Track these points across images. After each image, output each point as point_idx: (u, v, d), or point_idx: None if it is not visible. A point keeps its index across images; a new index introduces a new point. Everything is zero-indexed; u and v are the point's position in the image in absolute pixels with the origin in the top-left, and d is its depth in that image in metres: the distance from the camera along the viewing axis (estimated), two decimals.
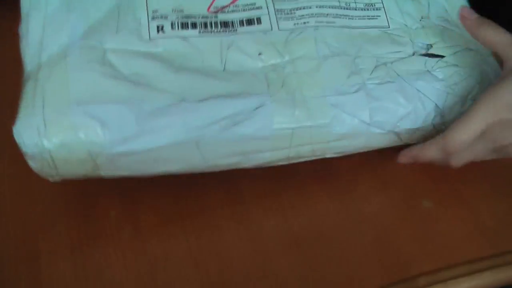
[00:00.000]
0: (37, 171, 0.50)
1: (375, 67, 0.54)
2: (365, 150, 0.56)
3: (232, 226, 0.54)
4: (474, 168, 0.56)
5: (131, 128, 0.49)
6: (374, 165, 0.57)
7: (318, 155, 0.55)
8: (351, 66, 0.54)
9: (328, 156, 0.55)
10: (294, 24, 0.55)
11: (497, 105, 0.50)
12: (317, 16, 0.56)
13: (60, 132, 0.48)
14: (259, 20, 0.55)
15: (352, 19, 0.57)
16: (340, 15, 0.57)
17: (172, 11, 0.54)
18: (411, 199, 0.55)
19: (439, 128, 0.55)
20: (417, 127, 0.54)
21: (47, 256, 0.52)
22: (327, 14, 0.56)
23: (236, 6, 0.56)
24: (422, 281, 0.50)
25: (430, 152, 0.54)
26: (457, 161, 0.53)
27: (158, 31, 0.53)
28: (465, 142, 0.51)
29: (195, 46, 0.53)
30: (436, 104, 0.54)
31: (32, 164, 0.50)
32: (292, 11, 0.56)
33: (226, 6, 0.55)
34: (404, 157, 0.56)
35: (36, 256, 0.52)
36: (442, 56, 0.56)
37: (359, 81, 0.53)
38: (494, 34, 0.53)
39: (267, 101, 0.51)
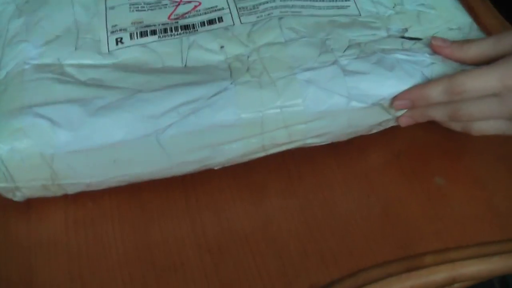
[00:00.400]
0: None
1: (348, 47, 0.51)
2: (353, 132, 0.52)
3: (234, 188, 0.52)
4: (492, 149, 0.54)
5: (83, 124, 0.46)
6: (387, 137, 0.54)
7: (298, 140, 0.50)
8: (321, 46, 0.50)
9: (309, 141, 0.51)
10: (257, 17, 0.53)
11: None
12: (281, 8, 0.53)
13: (9, 135, 0.46)
14: (220, 19, 0.53)
15: (320, 9, 0.54)
16: (306, 6, 0.54)
17: (132, 23, 0.53)
18: (423, 174, 0.52)
19: None
20: None
21: (38, 204, 0.50)
22: (292, 5, 0.54)
23: (197, 11, 0.54)
24: (428, 260, 0.47)
25: (433, 90, 0.49)
26: (464, 113, 0.49)
27: (117, 43, 0.51)
28: (475, 88, 0.47)
29: (155, 51, 0.51)
30: (421, 71, 0.50)
31: None
32: (255, 7, 0.54)
33: (188, 12, 0.54)
34: (400, 101, 0.50)
35: (28, 204, 0.50)
36: (419, 39, 0.52)
37: (331, 58, 0.50)
38: (478, 45, 0.50)
39: (230, 85, 0.48)
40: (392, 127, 0.53)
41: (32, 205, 0.50)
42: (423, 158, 0.54)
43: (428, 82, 0.49)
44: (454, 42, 0.51)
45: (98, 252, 0.48)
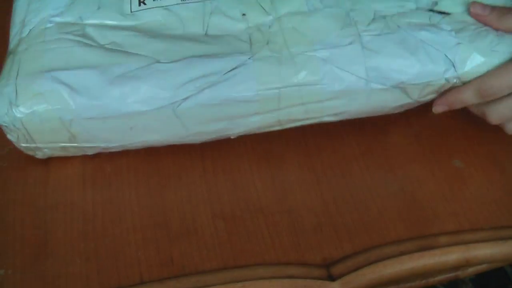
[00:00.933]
0: (17, 145, 0.49)
1: (372, 20, 0.50)
2: (373, 111, 0.51)
3: (252, 157, 0.52)
4: None
5: (101, 92, 0.46)
6: (408, 116, 0.54)
7: (314, 117, 0.50)
8: (345, 18, 0.50)
9: (326, 119, 0.50)
10: None
11: None
12: None
13: (29, 100, 0.46)
14: None
15: None
16: None
17: None
18: (442, 156, 0.52)
19: (453, 83, 0.49)
20: (426, 81, 0.49)
21: (57, 164, 0.51)
22: None
23: None
24: (443, 240, 0.47)
25: (466, 94, 0.49)
26: (493, 114, 0.49)
27: (139, 4, 0.51)
28: (502, 88, 0.47)
29: (177, 14, 0.51)
30: (445, 55, 0.49)
31: (9, 136, 0.48)
32: None
33: None
34: (439, 106, 0.51)
35: (47, 165, 0.51)
36: (448, 13, 0.51)
37: (353, 32, 0.49)
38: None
39: (248, 60, 0.47)
40: (415, 107, 0.53)
41: (51, 165, 0.51)
42: (443, 140, 0.53)
43: (461, 86, 0.49)
44: (494, 9, 0.49)
45: (114, 215, 0.48)
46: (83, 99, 0.46)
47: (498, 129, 0.53)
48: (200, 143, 0.51)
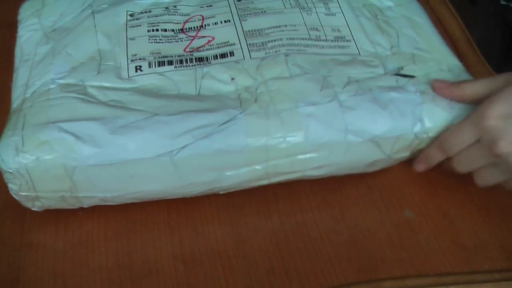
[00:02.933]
0: (16, 195, 0.52)
1: (347, 83, 0.55)
2: (350, 167, 0.56)
3: (214, 207, 0.55)
4: (463, 187, 0.56)
5: (104, 140, 0.51)
6: None
7: (299, 170, 0.54)
8: (323, 82, 0.55)
9: (309, 173, 0.55)
10: (266, 53, 0.58)
11: None
12: (288, 46, 0.58)
13: (36, 146, 0.50)
14: (232, 53, 0.58)
15: (323, 48, 0.59)
16: (311, 45, 0.59)
17: (150, 53, 0.58)
18: (393, 206, 0.55)
19: (421, 138, 0.55)
20: (397, 135, 0.54)
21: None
22: (297, 44, 0.58)
23: (211, 45, 0.59)
24: (388, 285, 0.50)
25: (432, 150, 0.55)
26: (457, 165, 0.53)
27: (136, 70, 0.57)
28: (457, 142, 0.52)
29: (171, 79, 0.56)
30: (413, 111, 0.54)
31: (11, 185, 0.51)
32: (264, 44, 0.59)
33: (202, 46, 0.59)
34: (418, 164, 0.57)
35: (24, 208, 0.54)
36: (413, 76, 0.57)
37: (331, 93, 0.54)
38: (474, 85, 0.54)
39: (239, 114, 0.52)
40: None
41: (27, 209, 0.54)
42: (396, 192, 0.57)
43: (429, 144, 0.55)
44: (453, 83, 0.55)
45: (82, 255, 0.52)
46: (87, 147, 0.50)
47: (449, 184, 0.57)
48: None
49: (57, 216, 0.54)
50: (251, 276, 0.50)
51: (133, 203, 0.54)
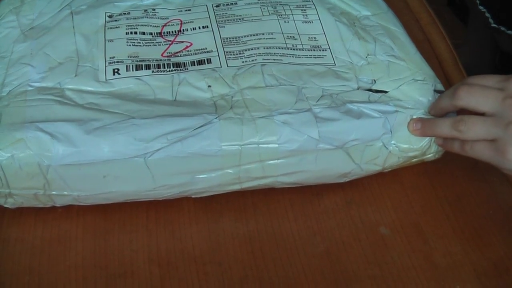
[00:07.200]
0: None
1: (321, 96, 0.56)
2: (320, 176, 0.56)
3: (193, 213, 0.56)
4: (441, 207, 0.57)
5: (79, 141, 0.51)
6: (342, 184, 0.58)
7: (270, 176, 0.55)
8: (298, 94, 0.56)
9: (280, 179, 0.55)
10: (242, 62, 0.59)
11: None
12: (265, 55, 0.59)
13: (11, 144, 0.51)
14: (209, 60, 0.59)
15: (299, 57, 0.60)
16: (287, 54, 0.60)
17: (128, 56, 0.59)
18: (370, 222, 0.56)
19: (388, 146, 0.56)
20: (365, 143, 0.55)
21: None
22: (274, 53, 0.60)
23: (188, 51, 0.60)
24: None
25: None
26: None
27: (114, 73, 0.57)
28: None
29: (148, 84, 0.57)
30: (383, 121, 0.55)
31: None
32: (241, 52, 0.60)
33: (179, 51, 0.60)
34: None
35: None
36: (385, 92, 0.58)
37: (306, 106, 0.55)
38: (435, 106, 0.57)
39: (215, 119, 0.53)
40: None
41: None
42: (373, 207, 0.57)
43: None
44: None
45: (59, 253, 0.52)
46: (62, 146, 0.51)
47: (426, 201, 0.58)
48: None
49: (36, 213, 0.55)
50: (224, 283, 0.51)
51: (112, 204, 0.55)
